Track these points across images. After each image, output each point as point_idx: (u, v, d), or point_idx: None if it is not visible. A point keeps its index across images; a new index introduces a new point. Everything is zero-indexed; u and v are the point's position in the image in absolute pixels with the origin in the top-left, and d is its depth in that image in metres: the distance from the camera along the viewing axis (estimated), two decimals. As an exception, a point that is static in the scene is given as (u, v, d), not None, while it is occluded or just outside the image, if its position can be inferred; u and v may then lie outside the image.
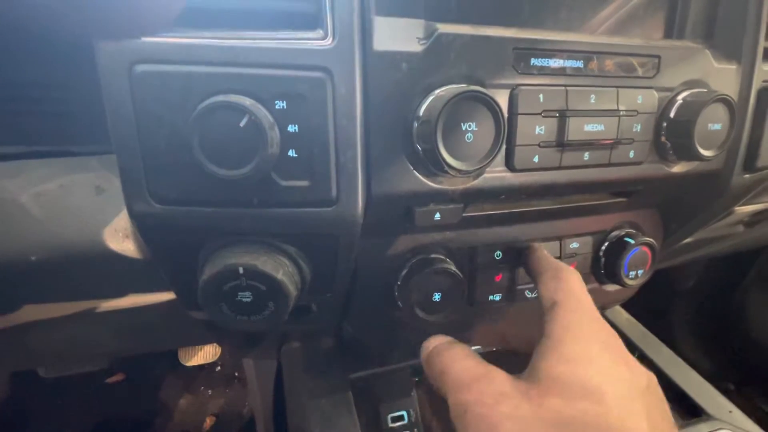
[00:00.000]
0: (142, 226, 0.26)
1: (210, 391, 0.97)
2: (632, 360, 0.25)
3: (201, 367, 0.98)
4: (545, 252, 0.33)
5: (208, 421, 0.95)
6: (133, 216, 0.25)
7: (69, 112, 0.30)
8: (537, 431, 0.21)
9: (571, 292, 0.27)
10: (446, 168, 0.25)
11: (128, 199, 0.24)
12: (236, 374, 1.00)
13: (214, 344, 0.97)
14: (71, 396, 0.90)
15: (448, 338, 0.29)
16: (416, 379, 0.49)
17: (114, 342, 0.50)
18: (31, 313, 0.35)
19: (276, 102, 0.23)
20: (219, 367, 1.01)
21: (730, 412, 0.41)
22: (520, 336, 0.32)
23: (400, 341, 0.41)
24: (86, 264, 0.30)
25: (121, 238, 0.30)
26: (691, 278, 1.26)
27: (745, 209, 0.58)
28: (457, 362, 0.26)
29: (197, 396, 0.96)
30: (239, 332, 0.49)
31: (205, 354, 0.96)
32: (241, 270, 0.25)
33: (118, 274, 0.33)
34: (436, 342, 0.28)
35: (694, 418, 0.40)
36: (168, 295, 0.39)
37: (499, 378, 0.24)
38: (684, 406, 0.42)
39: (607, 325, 0.26)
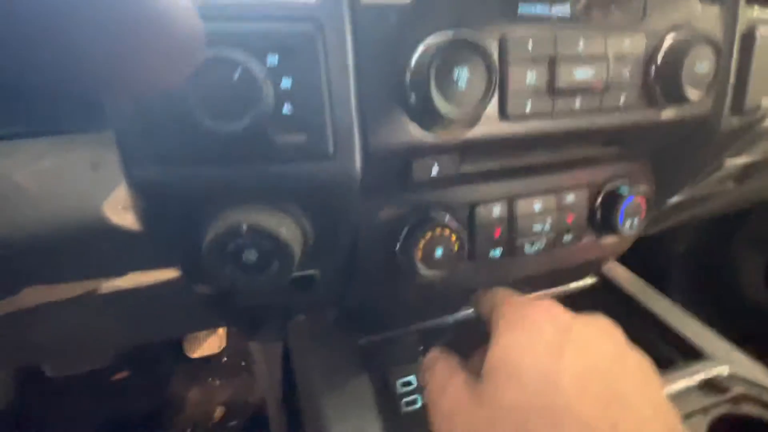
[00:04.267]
0: (143, 192, 0.26)
1: (218, 382, 0.98)
2: (557, 310, 0.27)
3: (207, 359, 0.98)
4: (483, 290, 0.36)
5: (218, 412, 0.95)
6: (133, 181, 0.25)
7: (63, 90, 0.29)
8: (479, 425, 0.23)
9: (502, 297, 0.31)
10: (441, 115, 0.25)
11: (127, 164, 0.24)
12: (243, 363, 1.01)
13: (219, 335, 0.98)
14: (79, 395, 0.90)
15: (439, 353, 0.32)
16: (421, 348, 0.50)
17: (119, 329, 0.51)
18: (31, 296, 0.35)
19: (268, 56, 0.23)
20: (225, 358, 1.01)
21: (729, 353, 0.43)
22: None
23: (405, 304, 0.41)
24: (85, 239, 0.30)
25: (120, 211, 0.30)
26: (684, 243, 1.28)
27: (735, 162, 0.59)
28: (431, 376, 0.29)
29: (205, 387, 0.97)
30: (244, 312, 0.49)
31: (211, 345, 0.96)
32: (244, 227, 0.25)
33: (118, 249, 0.33)
34: (430, 357, 0.31)
35: (695, 359, 0.42)
36: (170, 273, 0.39)
37: (453, 391, 0.26)
38: (684, 349, 0.43)
39: (534, 300, 0.29)
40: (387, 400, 0.45)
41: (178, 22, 0.12)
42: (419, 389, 0.47)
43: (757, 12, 0.36)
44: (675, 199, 0.65)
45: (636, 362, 0.25)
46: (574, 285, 0.55)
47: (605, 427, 0.20)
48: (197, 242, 0.28)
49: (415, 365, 0.48)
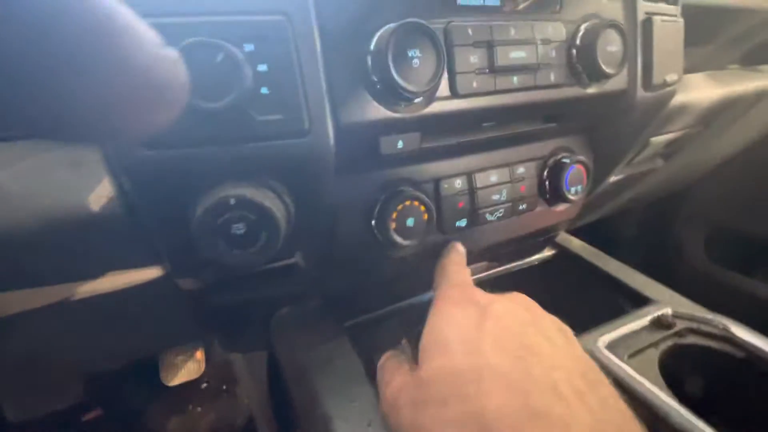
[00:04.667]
0: (134, 178, 0.28)
1: (199, 409, 0.94)
2: (480, 295, 0.30)
3: (186, 386, 0.95)
4: (443, 258, 0.38)
5: (202, 440, 0.91)
6: (124, 166, 0.27)
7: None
8: (419, 404, 0.25)
9: (444, 277, 0.34)
10: (400, 90, 0.29)
11: (119, 151, 0.26)
12: (224, 387, 0.98)
13: (197, 359, 0.94)
14: (46, 441, 0.84)
15: (391, 353, 0.33)
16: (403, 332, 0.53)
17: (93, 345, 0.49)
18: (7, 304, 0.35)
19: (244, 45, 0.26)
20: (205, 384, 0.98)
21: (671, 296, 0.48)
22: None
23: (385, 281, 0.44)
24: (70, 234, 0.31)
25: (105, 203, 0.31)
26: (633, 226, 1.40)
27: (658, 139, 0.67)
28: (381, 371, 0.31)
29: (186, 416, 0.93)
30: (228, 311, 0.49)
31: (189, 371, 0.93)
32: (232, 201, 0.27)
33: (100, 243, 0.33)
34: (383, 358, 0.33)
35: (643, 305, 0.47)
36: (153, 272, 0.39)
37: (398, 378, 0.29)
38: (632, 298, 0.49)
39: (465, 285, 0.32)
40: (375, 381, 0.47)
41: (165, 73, 0.12)
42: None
43: (652, 5, 0.44)
44: (614, 178, 0.72)
45: (550, 325, 0.28)
46: (537, 257, 0.60)
47: (519, 374, 0.23)
48: (184, 227, 0.30)
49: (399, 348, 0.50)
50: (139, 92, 0.11)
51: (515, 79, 0.36)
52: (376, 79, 0.30)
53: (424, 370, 0.27)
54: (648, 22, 0.43)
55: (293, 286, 0.43)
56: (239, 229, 0.28)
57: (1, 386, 0.58)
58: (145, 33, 0.11)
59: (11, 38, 0.09)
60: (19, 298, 0.35)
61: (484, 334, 0.26)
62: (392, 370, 0.30)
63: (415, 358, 0.30)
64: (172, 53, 0.12)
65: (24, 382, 0.57)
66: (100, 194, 0.31)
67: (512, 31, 0.35)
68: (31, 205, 0.30)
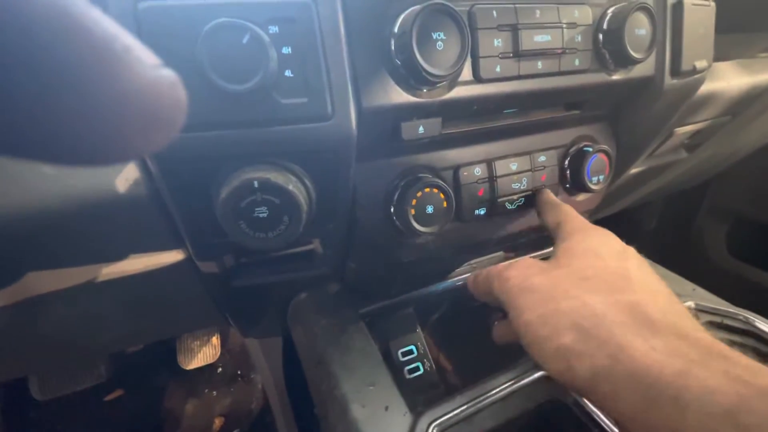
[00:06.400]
0: (161, 162, 0.28)
1: (215, 393, 0.97)
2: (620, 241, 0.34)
3: (202, 370, 0.97)
4: (547, 194, 0.42)
5: (217, 422, 0.94)
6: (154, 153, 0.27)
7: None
8: (559, 279, 0.29)
9: (569, 213, 0.37)
10: (423, 73, 0.29)
11: None
12: (239, 372, 1.00)
13: (213, 344, 0.97)
14: (70, 419, 0.87)
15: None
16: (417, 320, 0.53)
17: (116, 327, 0.51)
18: (34, 283, 0.36)
19: (269, 27, 0.26)
20: (221, 368, 1.00)
21: (694, 290, 0.47)
22: None
23: (402, 268, 0.44)
24: (96, 214, 0.32)
25: (131, 186, 0.32)
26: (654, 220, 1.37)
27: (684, 130, 0.65)
28: (493, 269, 0.34)
29: (202, 399, 0.96)
30: (244, 302, 0.50)
31: (205, 355, 0.95)
32: (256, 184, 0.27)
33: (125, 225, 0.34)
34: (476, 272, 0.37)
35: (664, 297, 0.46)
36: (176, 255, 0.40)
37: (528, 259, 0.33)
38: (654, 290, 0.48)
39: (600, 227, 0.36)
40: (391, 368, 0.47)
41: (163, 95, 0.12)
42: (420, 357, 0.49)
43: (683, -12, 0.42)
44: (636, 170, 0.71)
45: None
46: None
47: (659, 287, 0.28)
48: (207, 210, 0.30)
49: (414, 335, 0.50)
50: (137, 116, 0.11)
51: (539, 63, 0.35)
52: (399, 62, 0.30)
53: (566, 262, 0.30)
54: (678, 6, 0.41)
55: (311, 270, 0.44)
56: (262, 212, 0.28)
57: (27, 366, 0.60)
58: (143, 55, 0.11)
59: (2, 63, 0.09)
60: (46, 278, 0.36)
61: (630, 255, 0.31)
62: (504, 264, 0.33)
63: None
64: (170, 75, 0.12)
65: (50, 361, 0.59)
66: (127, 177, 0.32)
67: (537, 14, 0.34)
68: (62, 186, 0.30)
